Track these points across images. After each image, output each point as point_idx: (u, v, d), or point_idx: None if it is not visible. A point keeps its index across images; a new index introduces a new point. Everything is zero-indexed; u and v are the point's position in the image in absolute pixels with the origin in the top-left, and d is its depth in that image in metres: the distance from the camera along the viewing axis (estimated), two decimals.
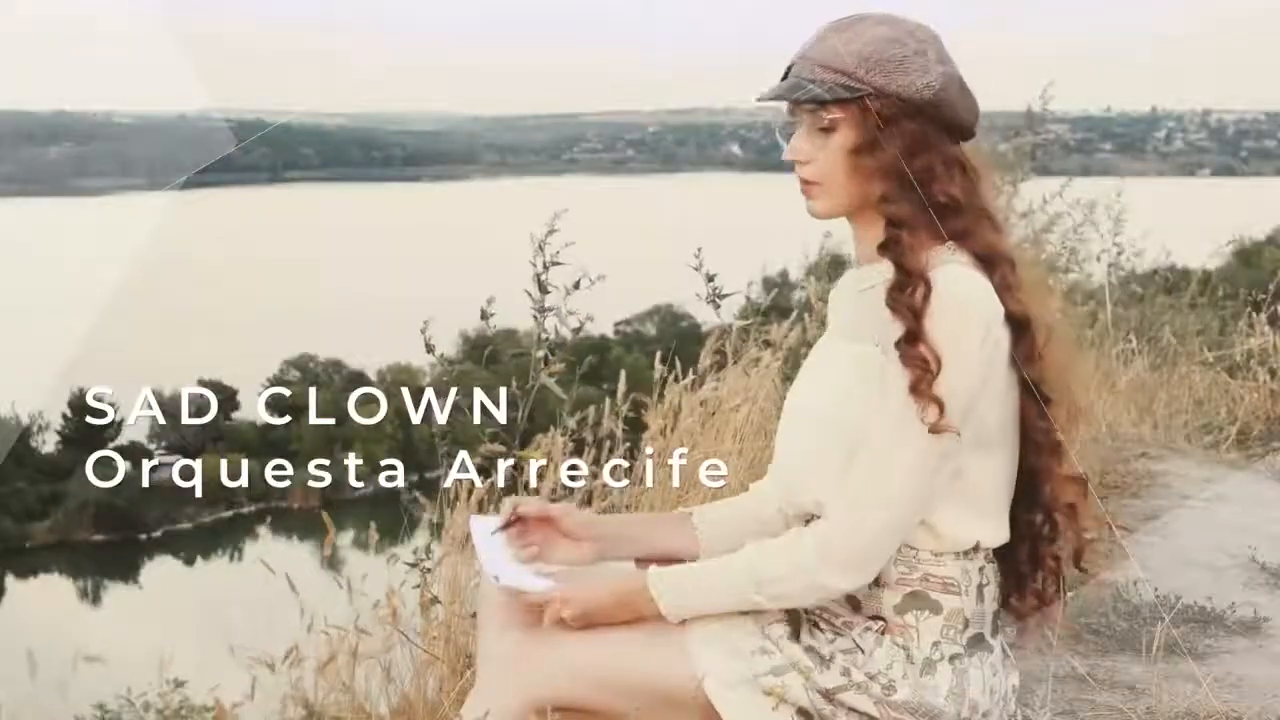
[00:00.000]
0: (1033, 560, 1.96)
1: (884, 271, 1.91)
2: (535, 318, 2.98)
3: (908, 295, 1.84)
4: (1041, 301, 1.93)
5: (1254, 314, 6.23)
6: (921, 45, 1.88)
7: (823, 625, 1.90)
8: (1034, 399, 1.88)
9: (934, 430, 1.80)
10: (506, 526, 2.07)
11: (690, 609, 1.89)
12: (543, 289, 2.96)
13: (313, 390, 56.14)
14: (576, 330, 3.00)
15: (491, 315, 3.01)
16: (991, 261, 1.87)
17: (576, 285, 2.97)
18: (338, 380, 58.78)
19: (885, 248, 1.88)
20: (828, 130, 1.88)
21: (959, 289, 1.82)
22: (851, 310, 1.97)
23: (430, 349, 3.00)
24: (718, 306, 3.72)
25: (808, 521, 1.96)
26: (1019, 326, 1.86)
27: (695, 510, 2.13)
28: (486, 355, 3.20)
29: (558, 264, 2.94)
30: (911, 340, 1.82)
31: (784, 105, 1.95)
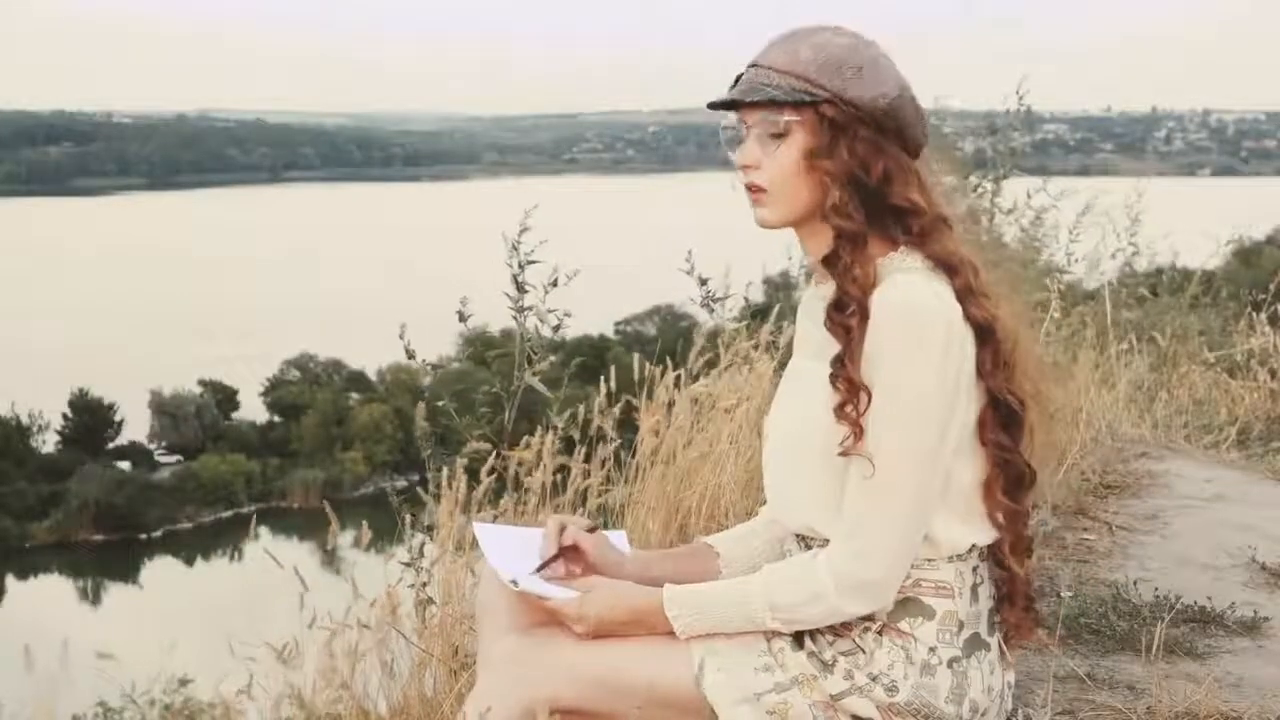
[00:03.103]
0: (999, 562, 1.94)
1: None
2: (515, 318, 2.97)
3: (845, 315, 1.84)
4: (1008, 307, 1.91)
5: (1254, 314, 6.23)
6: (877, 58, 1.87)
7: (823, 628, 1.90)
8: (994, 409, 1.86)
9: (844, 454, 1.81)
10: (553, 560, 2.04)
11: (704, 629, 1.90)
12: (520, 289, 2.95)
13: (313, 390, 56.25)
14: (556, 328, 2.99)
15: (469, 316, 3.00)
16: (953, 267, 1.86)
17: (554, 284, 2.96)
18: (338, 380, 58.89)
19: (828, 262, 1.88)
20: (780, 136, 1.87)
21: (910, 296, 1.81)
22: (817, 328, 1.94)
23: (410, 355, 3.00)
24: (712, 310, 3.72)
25: (800, 538, 1.96)
26: (983, 333, 1.84)
27: (714, 539, 2.13)
28: (475, 355, 3.19)
29: (533, 262, 2.93)
30: (843, 362, 1.83)
31: (728, 114, 1.93)
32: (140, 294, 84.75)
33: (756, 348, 3.82)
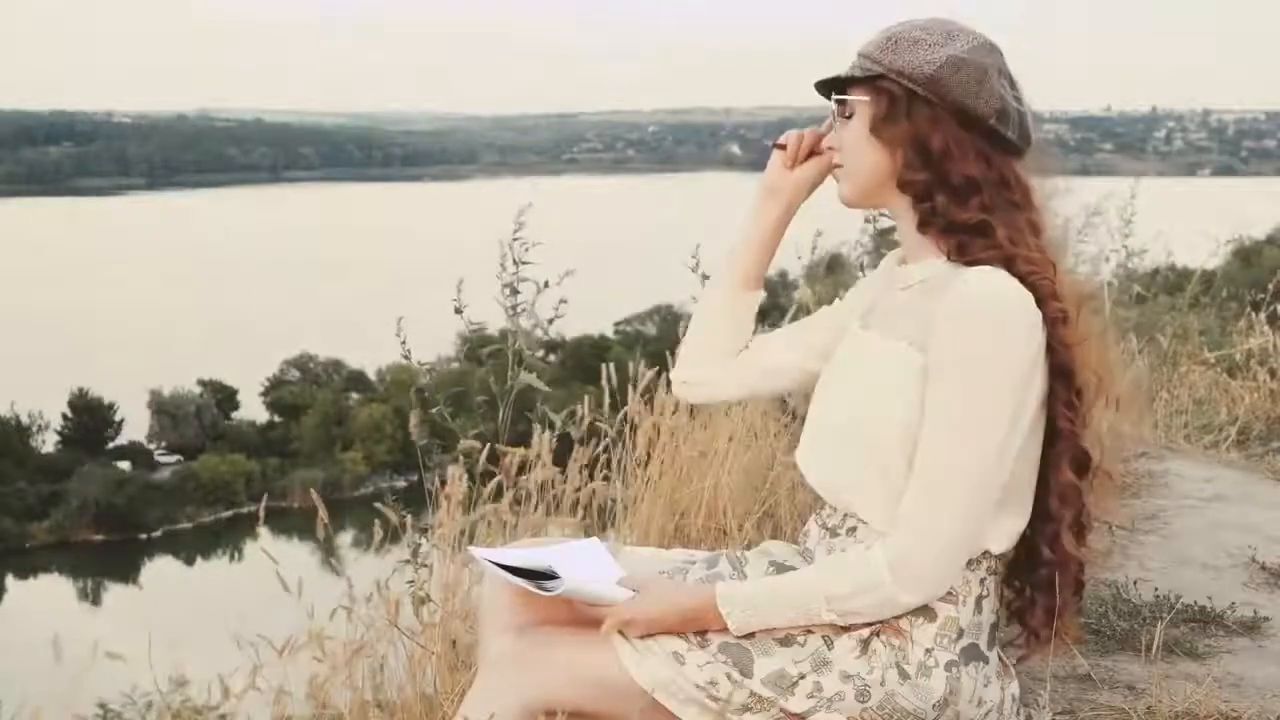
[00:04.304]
0: (1052, 547, 1.92)
1: (925, 270, 1.90)
2: (509, 318, 2.99)
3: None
4: (1072, 283, 1.89)
5: (1254, 314, 6.22)
6: (949, 39, 1.88)
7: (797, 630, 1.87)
8: (1063, 384, 1.86)
9: None
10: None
11: (758, 625, 1.86)
12: (513, 290, 2.96)
13: (313, 390, 56.25)
14: (551, 321, 3.00)
15: (465, 307, 3.01)
16: (1015, 243, 1.85)
17: (545, 285, 2.97)
18: (338, 380, 58.89)
19: (924, 224, 1.89)
20: (852, 115, 1.93)
21: (989, 291, 1.80)
22: (887, 304, 1.95)
23: (407, 355, 3.01)
24: None
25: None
26: (1054, 323, 1.83)
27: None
28: (472, 354, 3.20)
29: (526, 263, 2.94)
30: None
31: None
32: (140, 294, 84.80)
33: None
